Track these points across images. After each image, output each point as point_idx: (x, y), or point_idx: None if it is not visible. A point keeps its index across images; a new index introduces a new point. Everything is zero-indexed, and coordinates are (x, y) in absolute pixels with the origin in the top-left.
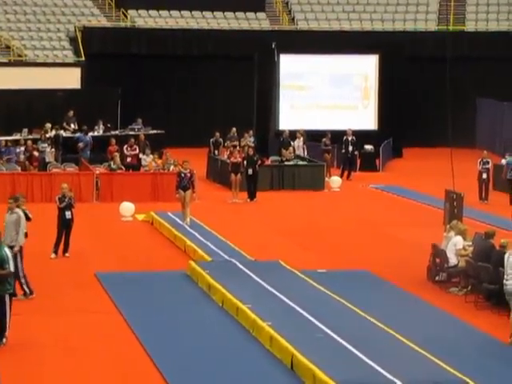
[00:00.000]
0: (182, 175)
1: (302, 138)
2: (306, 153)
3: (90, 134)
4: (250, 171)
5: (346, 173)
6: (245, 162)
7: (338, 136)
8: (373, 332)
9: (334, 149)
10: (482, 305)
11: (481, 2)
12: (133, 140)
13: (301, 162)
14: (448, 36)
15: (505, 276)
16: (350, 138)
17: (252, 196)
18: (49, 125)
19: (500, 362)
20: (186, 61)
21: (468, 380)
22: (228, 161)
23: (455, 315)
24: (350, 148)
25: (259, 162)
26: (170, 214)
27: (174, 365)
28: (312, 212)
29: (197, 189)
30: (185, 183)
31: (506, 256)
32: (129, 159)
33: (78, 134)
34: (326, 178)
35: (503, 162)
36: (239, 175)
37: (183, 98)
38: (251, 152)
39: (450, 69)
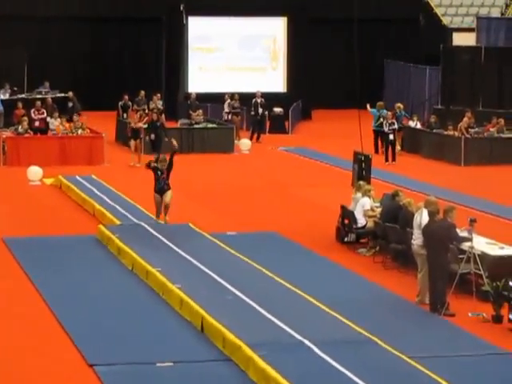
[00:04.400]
0: (159, 173)
1: (228, 101)
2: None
3: None
4: (153, 136)
5: (255, 135)
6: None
7: (247, 98)
8: (282, 293)
9: (243, 111)
10: (389, 265)
11: None
12: (40, 103)
13: (210, 125)
14: None
15: (413, 236)
16: (259, 100)
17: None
18: None
19: (407, 320)
20: (94, 23)
21: (375, 339)
22: (133, 125)
23: (364, 275)
24: (260, 110)
25: (162, 126)
26: (78, 177)
27: (82, 327)
28: (222, 175)
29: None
30: (161, 184)
31: (415, 216)
32: (37, 123)
33: None
34: (236, 141)
35: (410, 123)
36: (138, 140)
37: (92, 60)
38: (155, 117)
39: (357, 31)
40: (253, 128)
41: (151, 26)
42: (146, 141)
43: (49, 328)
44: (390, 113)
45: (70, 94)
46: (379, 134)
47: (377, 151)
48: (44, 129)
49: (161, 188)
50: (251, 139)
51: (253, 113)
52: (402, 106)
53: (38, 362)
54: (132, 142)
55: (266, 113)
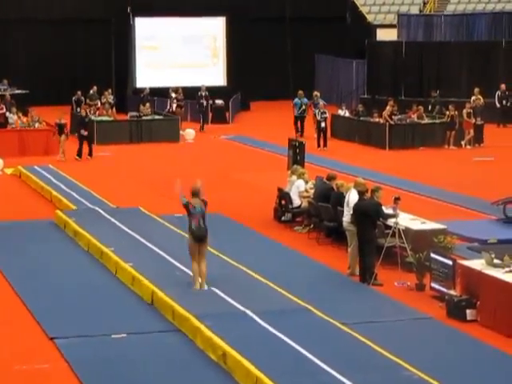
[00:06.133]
0: (192, 211)
1: (172, 94)
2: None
3: None
4: (83, 131)
5: (199, 125)
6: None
7: (191, 92)
8: (226, 268)
9: (187, 103)
10: (323, 241)
11: None
12: None
13: (157, 117)
14: None
15: (344, 213)
16: (203, 94)
17: (89, 153)
18: None
19: (339, 290)
20: (48, 24)
21: (311, 307)
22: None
23: (300, 251)
24: (204, 102)
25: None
26: (36, 167)
27: (43, 303)
28: (168, 162)
29: None
30: (202, 231)
31: (346, 196)
32: None
33: None
34: (181, 131)
35: (339, 112)
36: (63, 136)
37: (48, 59)
38: (83, 114)
39: (290, 28)
40: (202, 118)
41: (101, 26)
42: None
43: (11, 305)
44: (321, 102)
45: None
46: (300, 119)
47: (297, 133)
48: (3, 123)
49: (201, 234)
50: (202, 129)
51: (198, 105)
52: (318, 94)
53: (1, 337)
54: (58, 137)
55: (210, 104)
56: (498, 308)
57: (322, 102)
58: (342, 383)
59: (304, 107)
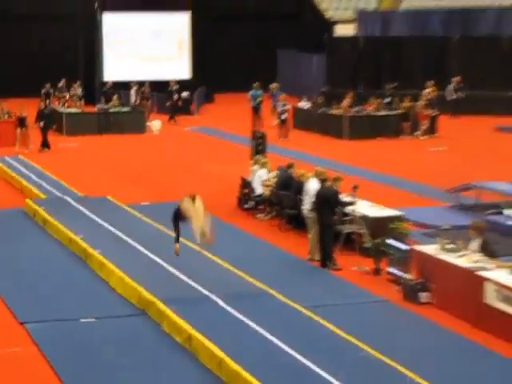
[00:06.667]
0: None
1: (134, 88)
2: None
3: None
4: (41, 124)
5: (172, 116)
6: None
7: (158, 85)
8: (190, 254)
9: (154, 96)
10: (284, 227)
11: None
12: None
13: (124, 109)
14: None
15: (303, 202)
16: (174, 88)
17: (44, 145)
18: None
19: (300, 275)
20: (20, 20)
21: (273, 291)
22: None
23: (262, 237)
24: (176, 96)
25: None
26: (6, 157)
27: (13, 288)
28: (136, 153)
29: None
30: None
31: (306, 185)
32: None
33: None
34: (148, 123)
35: (300, 104)
36: (24, 128)
37: (18, 54)
38: (42, 106)
39: (253, 24)
40: (173, 111)
41: (70, 21)
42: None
43: None
44: (283, 94)
45: None
46: (256, 110)
47: (254, 125)
48: None
49: None
50: (173, 120)
51: (170, 99)
52: (275, 86)
53: None
54: (18, 130)
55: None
56: (451, 291)
57: (283, 95)
58: (303, 364)
59: (260, 99)
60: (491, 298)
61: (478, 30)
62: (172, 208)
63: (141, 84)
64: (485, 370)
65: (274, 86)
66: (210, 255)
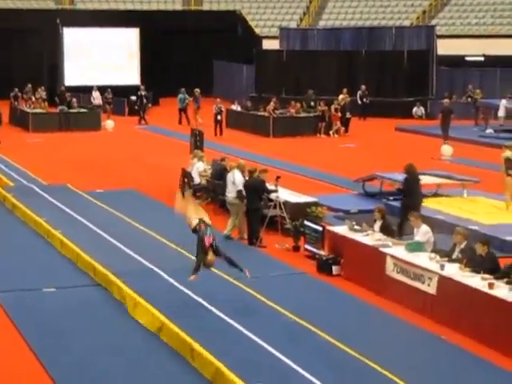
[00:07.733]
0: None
1: (97, 92)
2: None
3: None
4: None
5: (142, 118)
6: None
7: (113, 90)
8: (138, 234)
9: (113, 100)
10: (218, 211)
11: None
12: None
13: (82, 110)
14: (188, 14)
15: (227, 190)
16: (143, 93)
17: None
18: None
19: (231, 251)
20: None
21: None
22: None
23: None
24: (145, 100)
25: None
26: None
27: None
28: (92, 147)
29: None
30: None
31: (231, 176)
32: None
33: None
34: (103, 122)
35: (232, 107)
36: None
37: None
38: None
39: (192, 38)
40: (142, 113)
41: (36, 35)
42: None
43: None
44: (218, 99)
45: None
46: (183, 111)
47: (180, 123)
48: None
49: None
50: (141, 122)
51: (138, 102)
52: (199, 91)
53: None
54: None
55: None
56: (358, 265)
57: (218, 99)
58: (231, 325)
59: (186, 101)
60: (391, 270)
61: (382, 45)
62: (124, 196)
63: (104, 89)
64: (386, 331)
65: (197, 91)
66: (154, 233)
